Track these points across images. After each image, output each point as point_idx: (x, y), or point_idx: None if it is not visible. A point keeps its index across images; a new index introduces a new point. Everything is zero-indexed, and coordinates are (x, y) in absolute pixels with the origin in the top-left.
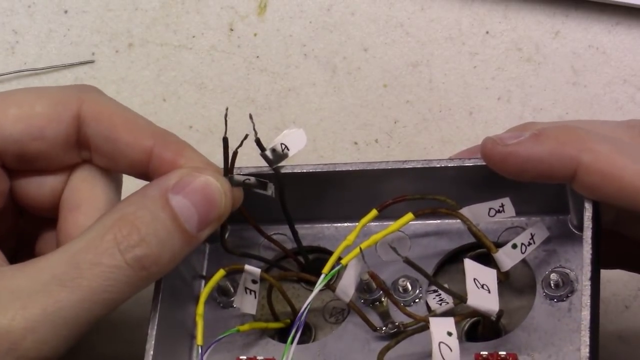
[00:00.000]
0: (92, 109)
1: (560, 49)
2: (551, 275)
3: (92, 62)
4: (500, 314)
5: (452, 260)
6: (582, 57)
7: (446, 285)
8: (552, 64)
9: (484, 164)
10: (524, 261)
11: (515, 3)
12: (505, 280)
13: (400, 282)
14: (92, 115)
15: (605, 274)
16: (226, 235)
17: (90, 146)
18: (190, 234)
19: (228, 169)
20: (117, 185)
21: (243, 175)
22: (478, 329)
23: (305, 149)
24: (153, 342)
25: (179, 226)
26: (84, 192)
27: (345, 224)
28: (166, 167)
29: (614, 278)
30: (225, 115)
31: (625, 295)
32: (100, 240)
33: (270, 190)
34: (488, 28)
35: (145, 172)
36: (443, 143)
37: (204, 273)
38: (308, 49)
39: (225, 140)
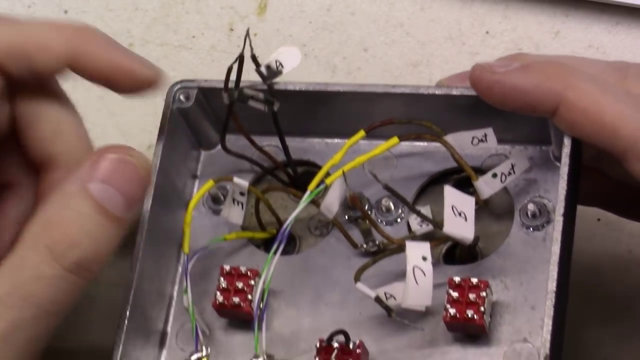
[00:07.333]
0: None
1: (560, 49)
2: (529, 205)
3: None
4: (475, 241)
5: (436, 182)
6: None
7: (428, 206)
8: None
9: (470, 93)
10: (504, 188)
11: (515, 3)
12: (484, 206)
13: (383, 201)
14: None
15: (605, 273)
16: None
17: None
18: (120, 217)
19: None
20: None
21: (252, 89)
22: (456, 251)
23: None
24: (141, 248)
25: (107, 215)
26: (34, 108)
27: (336, 140)
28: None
29: (614, 277)
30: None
31: (625, 294)
32: (34, 253)
33: (271, 104)
34: (488, 28)
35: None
36: None
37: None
38: (308, 49)
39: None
